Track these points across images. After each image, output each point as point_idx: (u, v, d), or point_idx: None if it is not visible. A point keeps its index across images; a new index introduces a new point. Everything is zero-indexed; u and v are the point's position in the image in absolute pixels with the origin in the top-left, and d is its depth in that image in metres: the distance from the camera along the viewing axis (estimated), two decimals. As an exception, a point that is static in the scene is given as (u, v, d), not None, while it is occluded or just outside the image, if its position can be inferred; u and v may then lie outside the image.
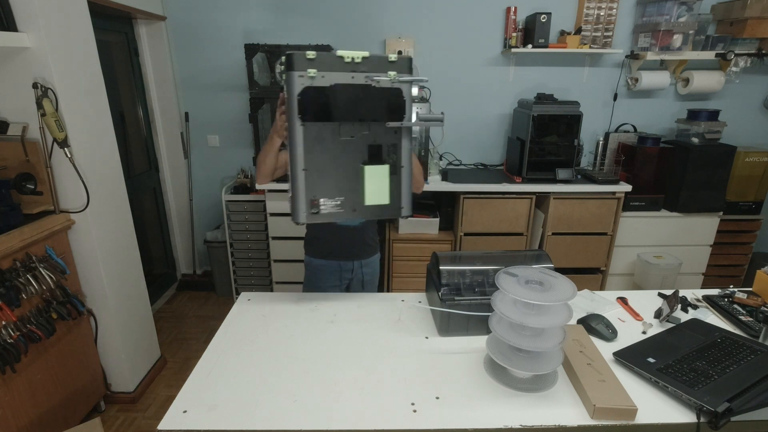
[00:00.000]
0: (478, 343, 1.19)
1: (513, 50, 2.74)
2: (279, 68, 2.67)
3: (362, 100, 1.18)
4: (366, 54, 1.15)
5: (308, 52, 1.12)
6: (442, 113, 1.35)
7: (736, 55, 2.73)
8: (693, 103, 3.01)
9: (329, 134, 1.19)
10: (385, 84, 1.18)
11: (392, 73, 1.17)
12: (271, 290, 2.97)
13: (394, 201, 1.27)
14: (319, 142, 1.19)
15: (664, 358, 1.08)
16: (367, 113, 1.19)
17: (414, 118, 1.28)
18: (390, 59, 1.18)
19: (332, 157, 1.21)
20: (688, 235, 2.81)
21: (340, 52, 1.14)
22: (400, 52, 2.84)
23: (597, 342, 1.20)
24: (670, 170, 2.74)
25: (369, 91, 1.17)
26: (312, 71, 1.12)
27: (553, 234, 2.73)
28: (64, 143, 1.70)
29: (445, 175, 2.77)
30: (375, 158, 1.24)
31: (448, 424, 0.92)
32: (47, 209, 1.79)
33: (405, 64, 1.20)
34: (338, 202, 1.23)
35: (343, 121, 1.19)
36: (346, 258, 1.58)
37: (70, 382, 1.86)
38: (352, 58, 1.14)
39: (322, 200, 1.22)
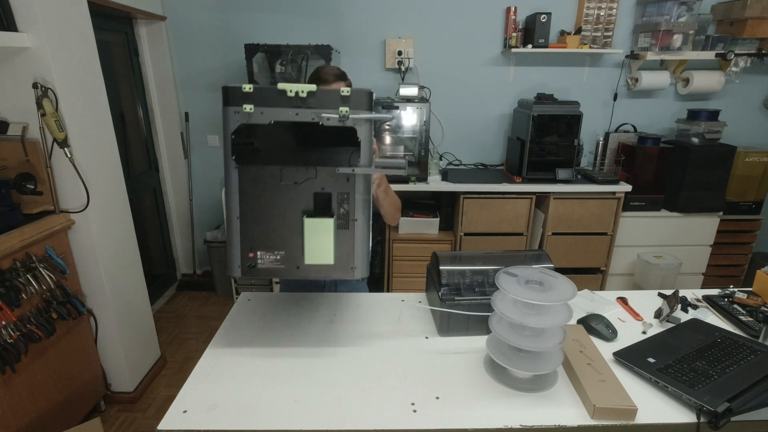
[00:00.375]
0: (478, 343, 1.19)
1: (513, 50, 2.74)
2: (279, 68, 2.69)
3: (306, 141, 1.03)
4: (312, 88, 1.00)
5: (245, 85, 0.99)
6: (405, 158, 1.25)
7: (736, 55, 2.73)
8: (693, 103, 3.01)
9: (269, 179, 1.04)
10: (335, 122, 1.01)
11: (344, 109, 1.00)
12: (271, 290, 2.97)
13: (342, 260, 1.09)
14: (257, 186, 1.05)
15: (664, 358, 1.08)
16: (312, 156, 1.03)
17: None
18: (342, 93, 1.00)
19: (272, 204, 1.06)
20: (688, 235, 2.81)
21: (281, 86, 0.99)
22: (399, 53, 2.84)
23: (597, 342, 1.19)
24: (670, 170, 2.74)
25: (315, 131, 1.01)
26: (248, 107, 0.99)
27: (553, 234, 2.73)
28: (64, 143, 1.70)
29: (445, 175, 2.77)
30: (323, 208, 1.07)
31: (448, 424, 0.92)
32: (47, 209, 1.79)
33: (362, 99, 1.01)
34: (278, 257, 1.08)
35: (284, 165, 1.04)
36: None
37: (70, 382, 1.86)
38: (296, 93, 1.00)
39: (259, 253, 1.08)
